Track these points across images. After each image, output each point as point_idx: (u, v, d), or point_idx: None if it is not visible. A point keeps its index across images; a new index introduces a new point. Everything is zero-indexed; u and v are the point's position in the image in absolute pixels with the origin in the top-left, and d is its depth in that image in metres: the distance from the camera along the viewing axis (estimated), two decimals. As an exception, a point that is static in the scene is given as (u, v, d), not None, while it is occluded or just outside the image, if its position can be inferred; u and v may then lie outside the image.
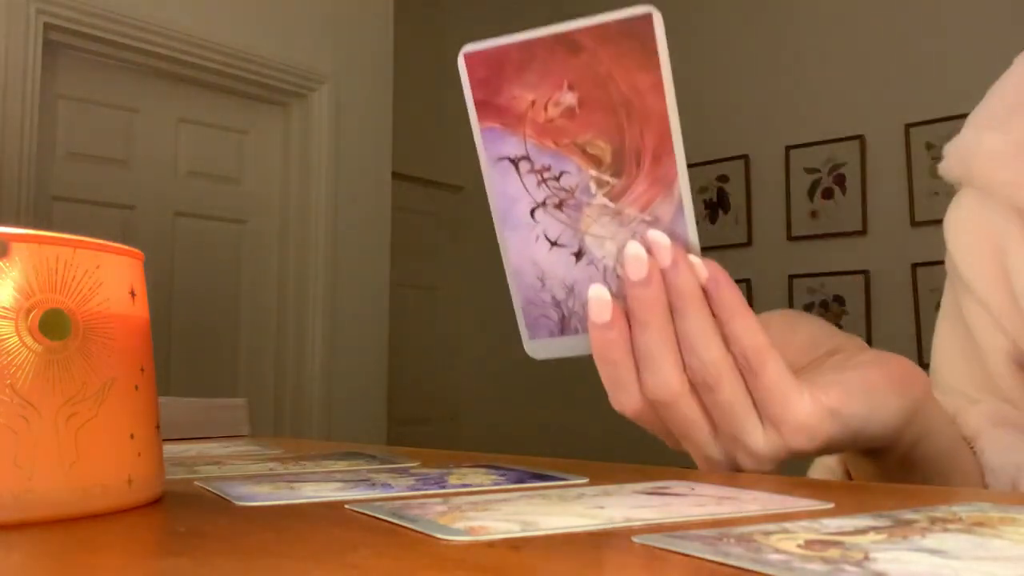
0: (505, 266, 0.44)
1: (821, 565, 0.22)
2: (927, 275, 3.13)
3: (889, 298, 3.26)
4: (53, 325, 0.31)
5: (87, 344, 0.32)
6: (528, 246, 0.43)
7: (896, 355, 0.47)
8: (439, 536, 0.27)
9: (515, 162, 0.42)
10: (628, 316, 0.42)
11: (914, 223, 3.22)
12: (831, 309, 3.40)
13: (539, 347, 0.44)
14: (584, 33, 0.40)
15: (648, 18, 0.39)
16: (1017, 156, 0.55)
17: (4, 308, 0.30)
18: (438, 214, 4.33)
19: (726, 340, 0.41)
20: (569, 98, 0.41)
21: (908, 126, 3.24)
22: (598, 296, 0.42)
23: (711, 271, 0.41)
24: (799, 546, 0.24)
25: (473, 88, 0.42)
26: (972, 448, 0.53)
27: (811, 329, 0.48)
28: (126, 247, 0.35)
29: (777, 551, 0.23)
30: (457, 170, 4.29)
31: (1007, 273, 0.56)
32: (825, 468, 0.56)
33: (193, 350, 2.95)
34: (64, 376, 0.31)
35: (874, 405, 0.43)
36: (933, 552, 0.23)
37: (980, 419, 0.55)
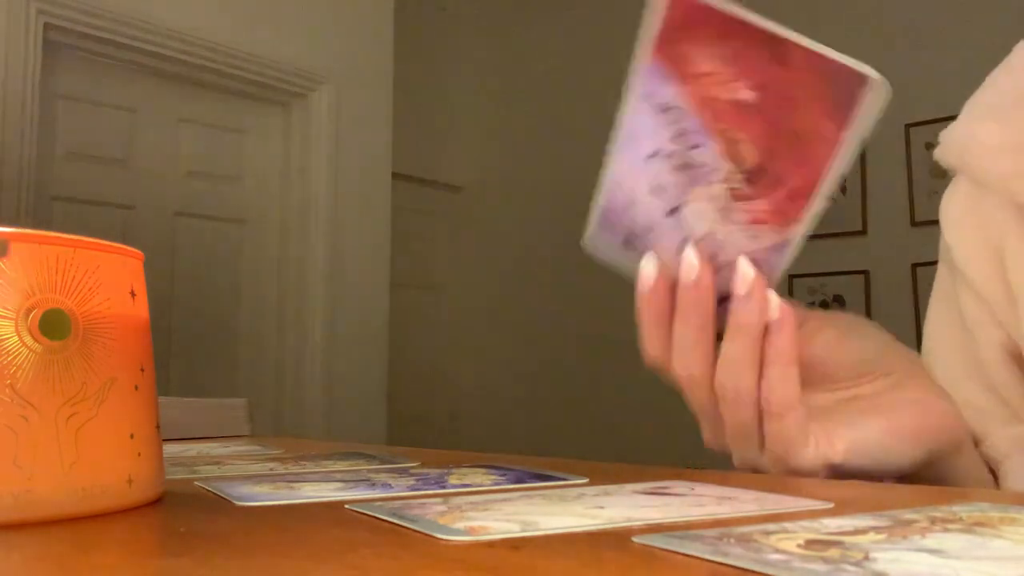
0: (605, 173, 0.43)
1: (821, 565, 0.22)
2: (927, 275, 3.11)
3: (889, 298, 3.26)
4: (53, 325, 0.31)
5: (87, 344, 0.32)
6: (634, 176, 0.42)
7: (938, 398, 0.46)
8: (439, 536, 0.27)
9: (663, 109, 0.40)
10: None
11: (914, 223, 3.21)
12: (831, 309, 3.40)
13: (597, 244, 0.45)
14: (802, 52, 0.38)
15: (865, 80, 0.37)
16: (1016, 150, 0.54)
17: (4, 308, 0.30)
18: (438, 214, 4.33)
19: (761, 376, 0.42)
20: (748, 95, 0.39)
21: (908, 126, 3.24)
22: (647, 272, 0.43)
23: (782, 314, 0.41)
24: (799, 546, 0.24)
25: (664, 25, 0.39)
26: (996, 471, 0.53)
27: (863, 348, 0.47)
28: (126, 247, 0.35)
29: (777, 551, 0.23)
30: (457, 170, 4.29)
31: (1004, 268, 0.56)
32: None
33: (193, 350, 2.95)
34: (64, 376, 0.31)
35: (885, 458, 0.43)
36: (933, 552, 0.23)
37: (1010, 444, 0.54)
